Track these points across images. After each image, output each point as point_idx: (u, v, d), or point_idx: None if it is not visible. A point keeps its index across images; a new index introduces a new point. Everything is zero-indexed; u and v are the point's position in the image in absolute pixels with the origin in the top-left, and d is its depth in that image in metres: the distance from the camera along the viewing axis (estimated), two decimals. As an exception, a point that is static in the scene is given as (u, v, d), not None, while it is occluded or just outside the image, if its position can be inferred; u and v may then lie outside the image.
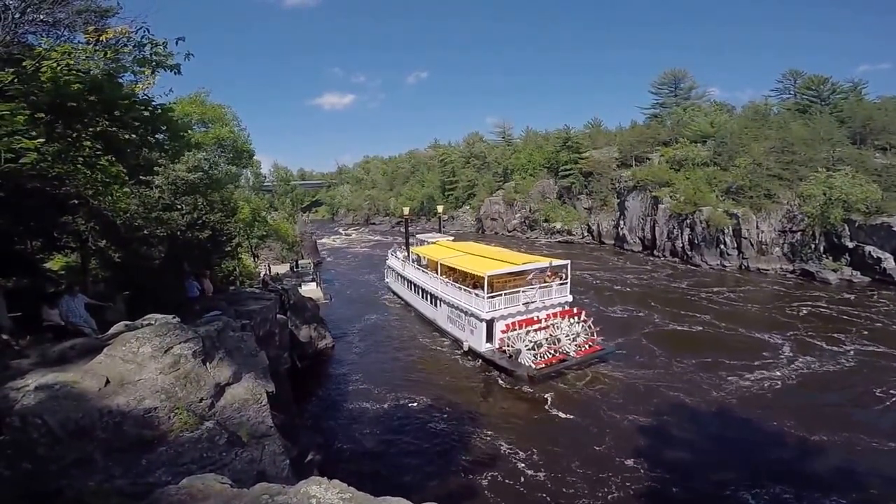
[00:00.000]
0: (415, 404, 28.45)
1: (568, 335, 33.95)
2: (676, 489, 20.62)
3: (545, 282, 36.97)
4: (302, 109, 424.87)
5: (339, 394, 30.46)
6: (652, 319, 43.70)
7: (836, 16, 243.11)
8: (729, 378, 30.89)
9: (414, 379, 32.27)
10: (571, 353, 32.94)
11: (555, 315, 35.19)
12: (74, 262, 23.08)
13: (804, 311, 45.08)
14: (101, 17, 13.28)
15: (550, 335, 33.57)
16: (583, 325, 34.98)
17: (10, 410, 7.68)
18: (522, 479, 21.43)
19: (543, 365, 31.40)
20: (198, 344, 10.28)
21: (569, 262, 38.87)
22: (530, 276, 37.06)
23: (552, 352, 32.56)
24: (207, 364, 10.20)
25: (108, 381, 8.83)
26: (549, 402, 28.50)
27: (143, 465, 7.43)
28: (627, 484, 21.00)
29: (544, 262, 38.20)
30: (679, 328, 41.36)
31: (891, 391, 28.53)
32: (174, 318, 11.87)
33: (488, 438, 24.69)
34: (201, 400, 9.40)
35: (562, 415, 27.24)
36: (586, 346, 33.84)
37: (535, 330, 33.57)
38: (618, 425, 25.83)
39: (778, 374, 31.44)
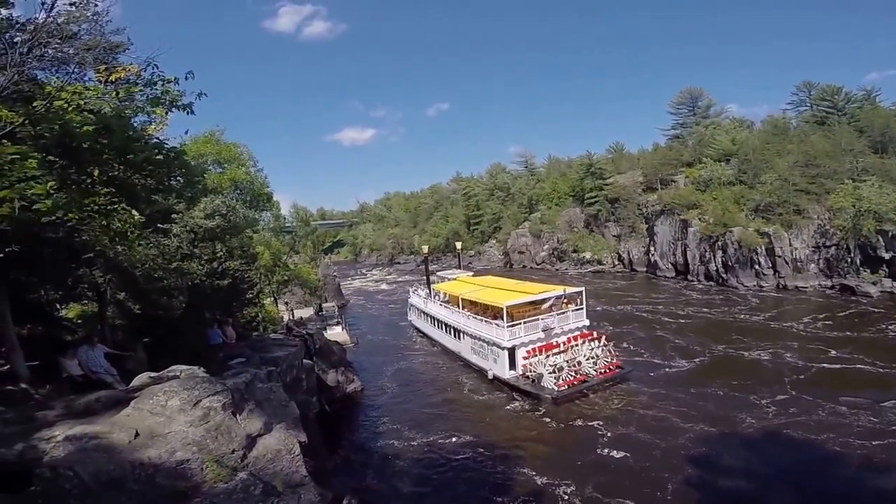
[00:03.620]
0: (446, 440, 28.30)
1: (588, 357, 35.17)
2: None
3: (562, 308, 38.22)
4: (321, 146, 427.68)
5: (371, 436, 30.06)
6: (685, 344, 42.67)
7: (842, 24, 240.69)
8: (766, 401, 29.88)
9: (443, 414, 32.40)
10: (592, 374, 34.21)
11: (574, 339, 36.55)
12: (91, 311, 22.88)
13: (847, 329, 43.18)
14: (111, 52, 13.11)
15: (571, 358, 34.81)
16: (602, 348, 36.22)
17: (40, 462, 7.69)
18: (557, 500, 21.55)
19: (566, 387, 32.67)
20: (227, 396, 10.50)
21: (583, 288, 40.68)
22: (547, 304, 37.91)
23: (573, 373, 33.74)
24: (237, 416, 10.42)
25: (137, 434, 8.89)
26: (574, 422, 29.39)
27: None
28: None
29: (559, 290, 39.43)
30: (715, 352, 40.06)
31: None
32: (200, 368, 12.22)
33: (519, 465, 24.75)
34: (233, 451, 9.49)
35: (583, 429, 28.34)
36: (607, 368, 35.05)
37: (556, 354, 34.99)
38: (639, 442, 26.17)
39: (821, 397, 29.70)
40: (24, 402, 11.57)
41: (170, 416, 9.56)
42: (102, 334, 18.48)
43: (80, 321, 22.49)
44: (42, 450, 8.15)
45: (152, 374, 12.25)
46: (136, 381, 12.00)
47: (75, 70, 12.39)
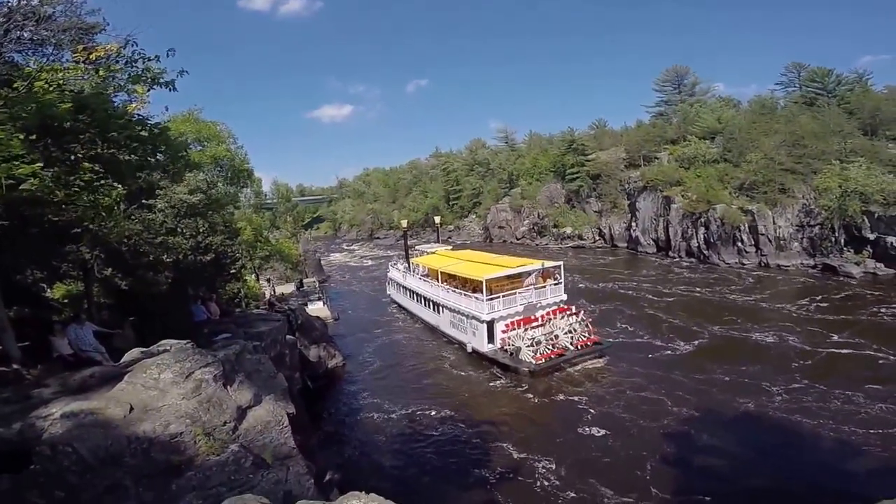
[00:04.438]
0: (426, 414, 28.50)
1: (565, 331, 35.44)
2: (672, 473, 21.00)
3: (540, 283, 38.59)
4: (300, 123, 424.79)
5: (353, 411, 30.06)
6: (667, 321, 42.56)
7: (836, 5, 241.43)
8: (743, 375, 30.18)
9: (423, 388, 32.54)
10: (569, 348, 34.62)
11: (551, 313, 36.72)
12: (76, 291, 22.88)
13: (827, 309, 43.27)
14: (87, 34, 13.10)
15: (548, 332, 35.11)
16: (580, 322, 36.43)
17: (39, 440, 7.76)
18: (535, 475, 21.64)
19: (543, 360, 32.98)
20: (218, 368, 10.59)
21: (561, 263, 40.73)
22: (526, 278, 38.64)
23: (550, 347, 34.05)
24: (228, 388, 10.53)
25: (132, 408, 9.00)
26: (553, 397, 29.72)
27: (174, 490, 7.65)
28: (609, 461, 22.36)
29: (537, 264, 39.89)
30: (696, 330, 39.79)
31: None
32: (189, 343, 12.18)
33: (498, 439, 24.99)
34: (224, 423, 9.60)
35: (563, 405, 28.64)
36: (584, 342, 35.50)
37: (534, 328, 35.30)
38: (617, 417, 26.36)
39: (797, 376, 29.76)
40: (18, 383, 11.55)
41: (163, 389, 9.67)
42: (89, 313, 18.66)
43: (66, 301, 22.47)
44: (41, 427, 8.28)
45: (143, 350, 12.23)
46: (128, 357, 12.08)
47: (52, 52, 12.58)
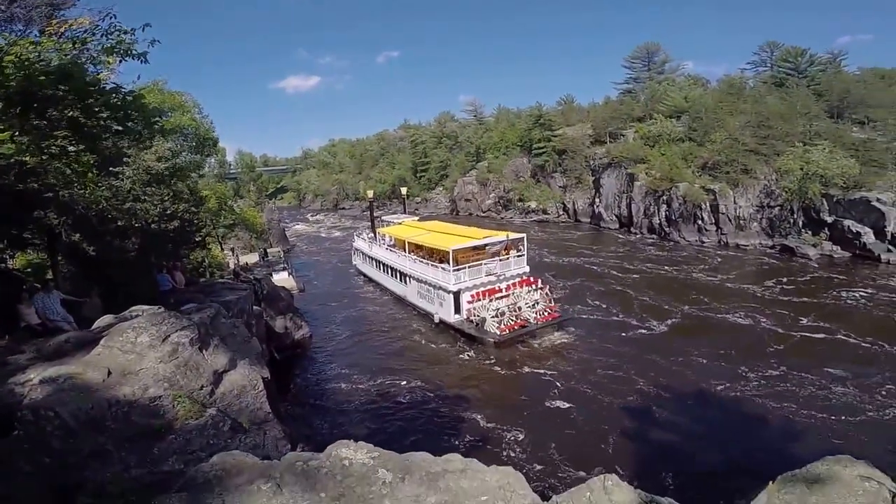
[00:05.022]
0: (394, 385, 28.72)
1: (528, 303, 36.24)
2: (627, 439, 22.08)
3: (505, 254, 39.16)
4: (264, 93, 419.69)
5: (321, 382, 30.21)
6: (634, 297, 43.33)
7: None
8: (708, 355, 30.62)
9: (392, 359, 32.85)
10: (532, 320, 35.20)
11: (515, 285, 37.49)
12: (39, 260, 22.42)
13: (792, 291, 44.15)
14: (56, 8, 13.33)
15: (512, 303, 35.77)
16: (541, 294, 37.28)
17: (20, 405, 7.73)
18: (502, 444, 22.22)
19: (507, 331, 33.60)
20: (194, 331, 10.45)
21: (524, 235, 41.50)
22: (491, 249, 39.15)
23: (514, 318, 34.61)
24: (204, 352, 10.40)
25: (109, 373, 8.89)
26: (519, 369, 30.26)
27: (156, 453, 7.61)
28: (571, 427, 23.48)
29: (502, 235, 40.21)
30: (662, 306, 40.60)
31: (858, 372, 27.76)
32: (160, 308, 12.08)
33: (467, 407, 25.58)
34: (202, 387, 9.61)
35: (530, 378, 29.15)
36: (546, 313, 36.15)
37: (498, 299, 36.03)
38: (578, 388, 27.18)
39: (764, 357, 30.22)
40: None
41: (140, 352, 9.55)
42: (56, 281, 18.26)
43: (28, 270, 21.82)
44: (20, 393, 8.23)
45: (115, 315, 12.00)
46: (100, 323, 11.82)
47: (21, 27, 12.76)
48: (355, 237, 58.90)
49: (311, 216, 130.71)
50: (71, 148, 11.68)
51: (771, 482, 5.96)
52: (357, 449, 5.81)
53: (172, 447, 7.78)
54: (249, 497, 5.07)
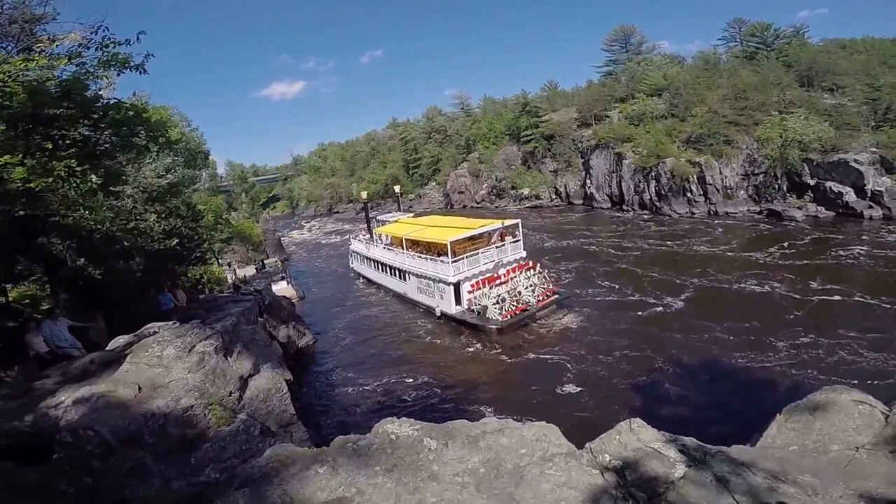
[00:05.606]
0: (402, 382, 28.75)
1: (527, 286, 36.81)
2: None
3: (501, 241, 39.68)
4: (249, 102, 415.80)
5: (328, 387, 30.05)
6: (642, 274, 43.86)
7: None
8: (713, 320, 31.37)
9: (397, 358, 32.69)
10: (532, 302, 35.86)
11: (513, 270, 37.93)
12: (34, 292, 22.11)
13: (794, 255, 44.77)
14: (37, 23, 13.03)
15: (512, 289, 36.20)
16: (539, 276, 37.83)
17: (57, 427, 7.69)
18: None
19: (509, 317, 33.94)
20: (217, 340, 10.68)
21: (519, 220, 42.03)
22: (488, 238, 39.94)
23: (515, 303, 35.06)
24: (229, 358, 10.71)
25: (140, 388, 8.97)
26: (525, 356, 30.29)
27: (193, 464, 7.77)
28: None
29: (497, 223, 40.85)
30: (670, 280, 41.07)
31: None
32: (174, 323, 12.23)
33: (474, 399, 25.64)
34: (230, 394, 9.83)
35: (536, 364, 29.16)
36: (544, 294, 36.92)
37: (498, 286, 36.37)
38: (583, 365, 27.72)
39: (781, 326, 29.96)
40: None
41: (167, 365, 9.65)
42: (58, 309, 17.72)
43: (26, 301, 21.41)
44: (54, 416, 8.13)
45: (131, 335, 12.04)
46: (114, 345, 11.81)
47: (3, 46, 12.44)
48: (352, 239, 58.76)
49: (306, 223, 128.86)
50: (78, 168, 11.33)
51: (778, 414, 7.04)
52: (401, 424, 6.40)
53: (208, 455, 8.04)
54: (308, 482, 5.45)
